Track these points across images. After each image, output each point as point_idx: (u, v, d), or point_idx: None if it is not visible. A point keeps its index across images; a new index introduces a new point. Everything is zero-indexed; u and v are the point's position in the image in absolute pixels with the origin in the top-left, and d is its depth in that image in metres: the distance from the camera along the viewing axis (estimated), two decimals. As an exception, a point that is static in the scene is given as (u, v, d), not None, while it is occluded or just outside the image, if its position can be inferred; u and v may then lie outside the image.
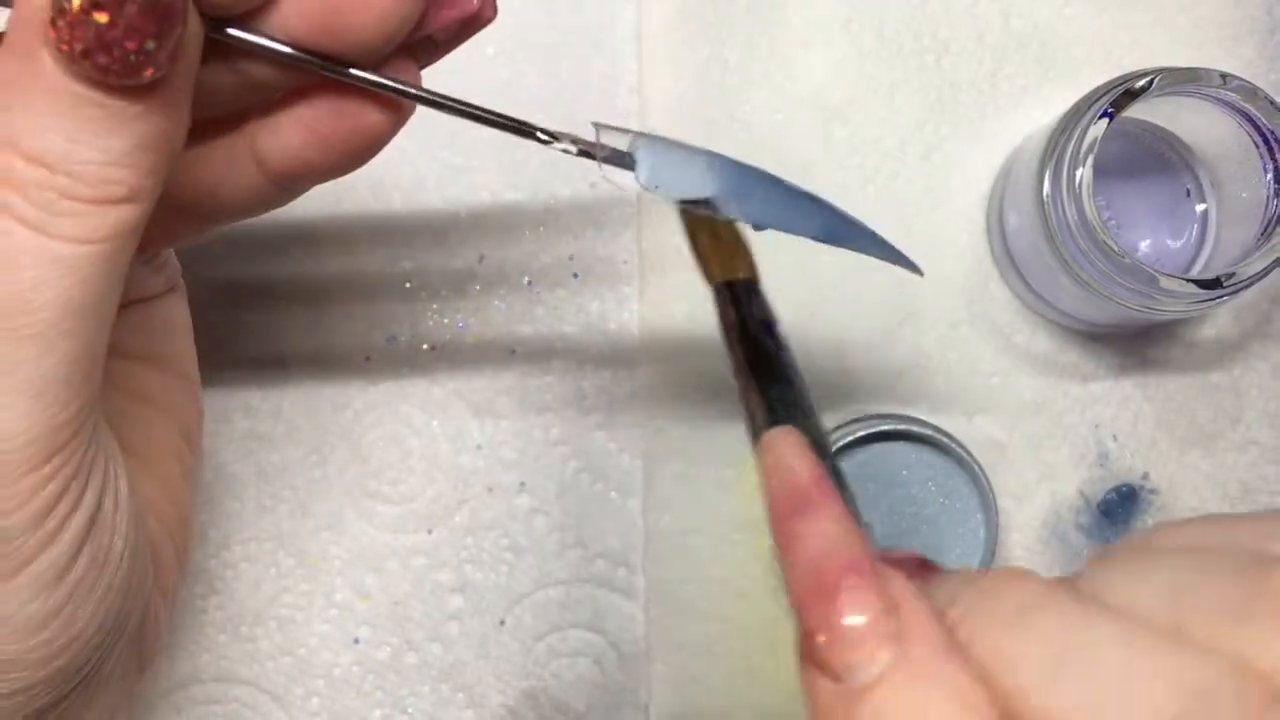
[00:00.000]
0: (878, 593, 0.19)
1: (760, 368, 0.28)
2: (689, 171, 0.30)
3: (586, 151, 0.28)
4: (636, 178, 0.29)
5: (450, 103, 0.25)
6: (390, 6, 0.24)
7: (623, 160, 0.28)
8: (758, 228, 0.31)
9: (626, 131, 0.29)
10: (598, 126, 0.28)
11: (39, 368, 0.23)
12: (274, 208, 0.28)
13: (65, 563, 0.25)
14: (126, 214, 0.22)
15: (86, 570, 0.26)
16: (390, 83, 0.25)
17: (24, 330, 0.22)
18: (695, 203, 0.30)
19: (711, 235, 0.31)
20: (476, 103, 0.26)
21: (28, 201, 0.21)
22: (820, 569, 0.20)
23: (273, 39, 0.23)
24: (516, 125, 0.26)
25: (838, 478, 0.27)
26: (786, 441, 0.24)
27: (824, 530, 0.21)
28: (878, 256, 0.32)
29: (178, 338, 0.32)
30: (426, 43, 0.26)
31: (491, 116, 0.26)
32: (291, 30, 0.23)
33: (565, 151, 0.27)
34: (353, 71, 0.24)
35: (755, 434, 0.25)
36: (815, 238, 0.31)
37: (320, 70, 0.24)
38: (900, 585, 0.20)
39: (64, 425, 0.24)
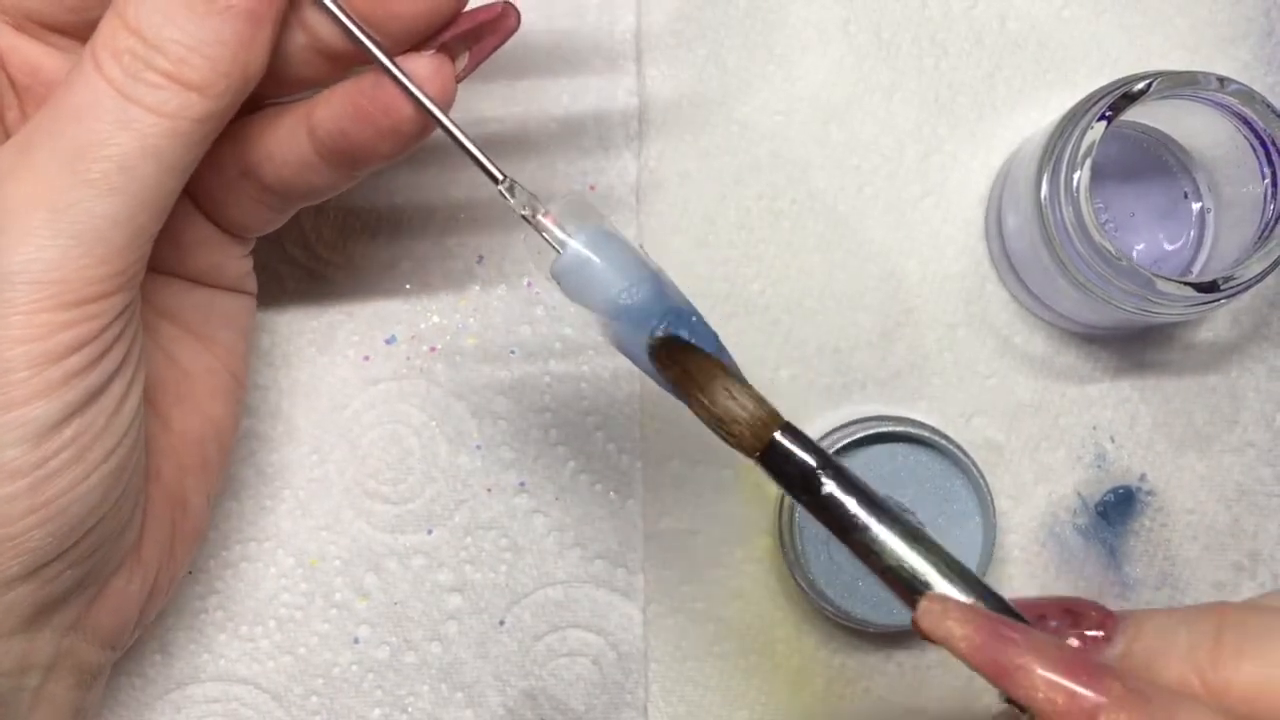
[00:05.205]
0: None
1: (846, 532, 0.27)
2: (604, 287, 0.28)
3: (527, 217, 0.29)
4: (550, 268, 0.28)
5: (443, 123, 0.28)
6: None
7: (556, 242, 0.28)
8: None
9: (589, 220, 0.28)
10: (567, 200, 0.28)
11: (88, 212, 0.26)
12: (323, 190, 0.31)
13: (53, 423, 0.26)
14: (195, 102, 0.26)
15: (70, 442, 0.27)
16: (405, 82, 0.28)
17: (86, 174, 0.26)
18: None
19: (723, 393, 0.27)
20: (473, 119, 0.30)
21: (119, 66, 0.26)
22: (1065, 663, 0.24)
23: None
24: (486, 168, 0.28)
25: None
26: (937, 614, 0.25)
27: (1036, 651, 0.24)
28: None
29: (234, 332, 0.35)
30: (460, 44, 0.30)
31: (470, 149, 0.28)
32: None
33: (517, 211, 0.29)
34: (385, 61, 0.28)
35: (908, 604, 0.26)
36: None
37: (361, 46, 0.28)
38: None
39: (93, 281, 0.26)
